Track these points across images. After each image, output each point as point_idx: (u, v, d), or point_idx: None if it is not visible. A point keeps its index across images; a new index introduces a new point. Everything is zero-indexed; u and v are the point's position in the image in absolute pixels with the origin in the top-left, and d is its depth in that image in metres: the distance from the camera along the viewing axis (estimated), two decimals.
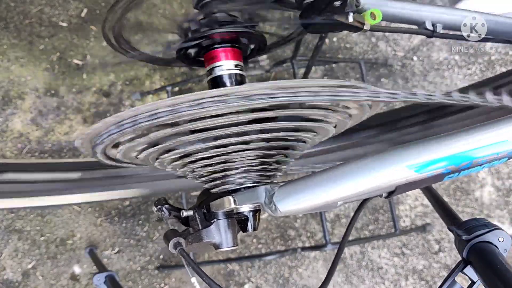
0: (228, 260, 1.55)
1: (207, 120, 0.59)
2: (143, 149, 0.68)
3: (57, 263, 1.50)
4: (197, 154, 0.67)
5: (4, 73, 1.57)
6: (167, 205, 0.74)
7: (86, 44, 1.62)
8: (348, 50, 1.70)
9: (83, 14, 1.64)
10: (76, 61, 1.61)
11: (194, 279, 0.70)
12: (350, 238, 1.56)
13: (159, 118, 0.55)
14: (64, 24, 1.62)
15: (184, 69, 1.63)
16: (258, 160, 0.69)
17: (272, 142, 0.67)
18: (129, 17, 0.79)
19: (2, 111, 1.55)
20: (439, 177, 0.58)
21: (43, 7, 1.63)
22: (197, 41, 0.75)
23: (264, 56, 1.62)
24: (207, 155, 0.67)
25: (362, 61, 1.63)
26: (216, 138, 0.64)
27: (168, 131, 0.61)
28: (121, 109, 1.60)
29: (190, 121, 0.60)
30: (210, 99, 0.53)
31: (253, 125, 0.62)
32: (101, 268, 1.34)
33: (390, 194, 0.64)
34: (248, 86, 0.53)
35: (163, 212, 0.73)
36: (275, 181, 0.75)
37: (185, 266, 0.69)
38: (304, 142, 0.73)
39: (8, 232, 1.50)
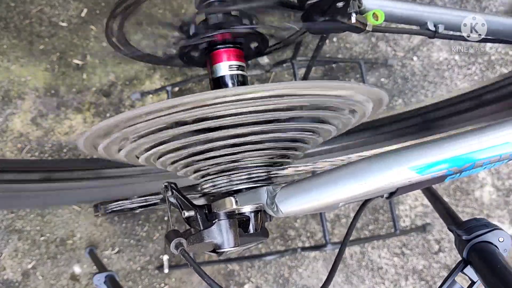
0: (228, 260, 1.55)
1: (212, 120, 0.60)
2: (147, 149, 0.68)
3: (57, 263, 1.50)
4: (200, 155, 0.67)
5: (4, 73, 1.57)
6: (174, 187, 0.74)
7: (86, 44, 1.62)
8: (348, 50, 1.70)
9: (83, 14, 1.63)
10: (76, 61, 1.61)
11: (165, 257, 0.71)
12: (350, 238, 1.55)
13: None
14: (64, 24, 1.62)
15: (185, 69, 1.63)
16: (260, 161, 0.69)
17: (275, 143, 0.67)
18: (131, 16, 0.79)
19: (2, 111, 1.55)
20: (441, 178, 0.58)
21: (43, 7, 1.63)
22: (200, 42, 0.75)
23: (264, 56, 1.62)
24: (210, 156, 0.67)
25: (362, 61, 1.63)
26: (219, 139, 0.64)
27: (174, 131, 0.62)
28: (121, 109, 1.60)
29: (196, 121, 0.60)
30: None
31: (256, 126, 0.62)
32: (101, 268, 1.34)
33: (391, 195, 0.64)
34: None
35: (167, 190, 0.73)
36: (277, 182, 0.75)
37: (189, 266, 0.69)
38: (306, 143, 0.73)
39: (8, 232, 1.50)
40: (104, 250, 1.53)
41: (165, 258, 0.70)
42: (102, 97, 1.60)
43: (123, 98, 1.60)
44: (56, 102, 1.58)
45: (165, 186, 0.73)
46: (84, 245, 1.52)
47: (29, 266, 1.49)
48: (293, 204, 0.59)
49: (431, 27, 0.81)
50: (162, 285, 1.52)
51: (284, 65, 1.57)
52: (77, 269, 1.51)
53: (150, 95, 1.61)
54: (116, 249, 1.53)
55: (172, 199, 0.74)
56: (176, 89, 1.63)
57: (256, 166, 0.70)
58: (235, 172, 0.70)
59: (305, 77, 1.48)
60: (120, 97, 1.60)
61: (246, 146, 0.65)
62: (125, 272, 1.52)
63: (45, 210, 1.52)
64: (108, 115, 1.58)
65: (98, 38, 1.61)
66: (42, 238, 1.51)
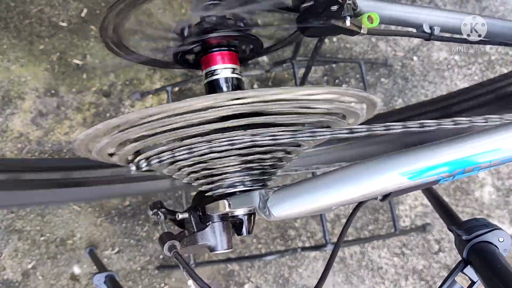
0: (228, 260, 1.55)
1: (201, 125, 0.60)
2: (138, 154, 0.68)
3: (57, 263, 1.50)
4: (191, 159, 0.67)
5: (4, 73, 1.58)
6: (163, 209, 0.74)
7: (86, 44, 1.62)
8: (348, 50, 1.70)
9: (83, 14, 1.64)
10: (76, 61, 1.61)
11: (190, 282, 0.70)
12: (350, 238, 1.56)
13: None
14: (64, 24, 1.63)
15: (184, 70, 1.63)
16: (252, 165, 0.69)
17: (266, 147, 0.67)
18: (128, 19, 0.79)
19: (2, 111, 1.55)
20: (433, 183, 0.58)
21: (43, 7, 1.63)
22: (194, 45, 0.75)
23: (264, 56, 1.62)
24: (202, 160, 0.67)
25: (362, 61, 1.63)
26: (209, 142, 0.64)
27: (165, 136, 0.62)
28: (121, 109, 1.60)
29: (186, 127, 0.60)
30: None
31: (246, 130, 0.62)
32: (101, 268, 1.34)
33: (385, 197, 0.64)
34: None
35: (158, 216, 0.73)
36: (270, 185, 0.75)
37: (181, 268, 0.69)
38: (299, 145, 0.73)
39: (8, 232, 1.50)
40: (104, 250, 1.53)
41: (190, 282, 0.69)
42: (102, 97, 1.60)
43: (123, 98, 1.61)
44: (56, 102, 1.58)
45: (154, 212, 0.73)
46: (84, 245, 1.52)
47: (29, 266, 1.50)
48: (285, 208, 0.59)
49: (427, 29, 0.81)
50: (162, 285, 1.52)
51: (284, 65, 1.57)
52: (77, 269, 1.51)
53: (150, 95, 1.61)
54: (116, 249, 1.54)
55: (163, 220, 0.74)
56: (176, 89, 1.63)
57: (247, 170, 0.70)
58: (226, 176, 0.70)
59: (304, 77, 1.48)
60: (120, 97, 1.61)
61: (232, 151, 0.65)
62: (125, 272, 1.53)
63: (45, 210, 1.52)
64: (108, 115, 1.59)
65: (98, 38, 1.61)
66: (42, 238, 1.51)
